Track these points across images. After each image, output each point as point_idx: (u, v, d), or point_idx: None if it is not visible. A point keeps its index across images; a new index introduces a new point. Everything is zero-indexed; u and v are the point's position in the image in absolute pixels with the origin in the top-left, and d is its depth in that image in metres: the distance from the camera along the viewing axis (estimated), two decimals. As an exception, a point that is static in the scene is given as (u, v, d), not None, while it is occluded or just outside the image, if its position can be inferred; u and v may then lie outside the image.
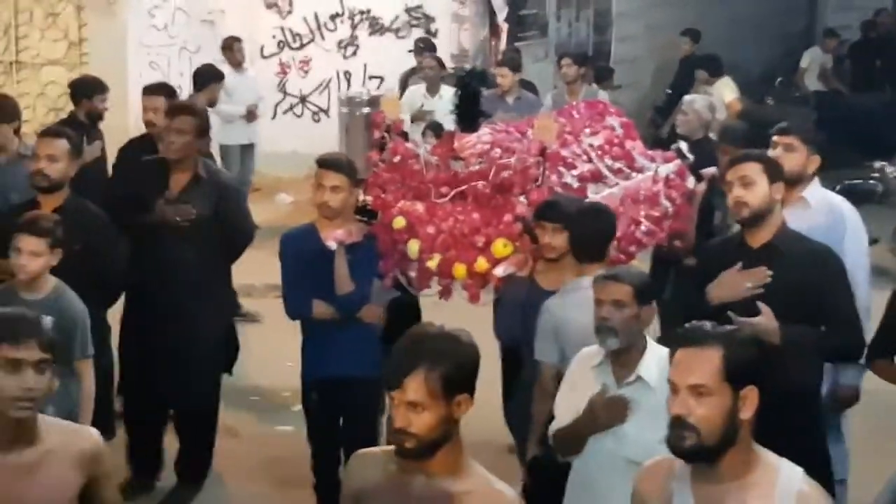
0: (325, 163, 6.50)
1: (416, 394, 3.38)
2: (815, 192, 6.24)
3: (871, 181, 13.43)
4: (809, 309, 5.30)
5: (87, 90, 9.64)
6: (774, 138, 6.58)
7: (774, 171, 5.48)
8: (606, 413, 4.67)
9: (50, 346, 3.82)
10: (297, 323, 6.64)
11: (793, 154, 6.24)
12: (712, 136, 9.44)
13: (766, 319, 5.11)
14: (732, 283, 5.33)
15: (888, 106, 17.23)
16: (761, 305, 5.15)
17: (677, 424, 3.28)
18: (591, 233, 5.85)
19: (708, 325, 3.44)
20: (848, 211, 6.32)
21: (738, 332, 3.47)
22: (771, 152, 6.51)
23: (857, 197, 9.84)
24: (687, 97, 9.95)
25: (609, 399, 4.67)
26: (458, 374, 3.43)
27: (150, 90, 8.38)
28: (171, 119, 7.10)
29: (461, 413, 3.47)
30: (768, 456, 3.45)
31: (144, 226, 6.94)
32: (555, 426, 4.94)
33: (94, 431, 4.13)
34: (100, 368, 6.27)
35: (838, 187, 10.72)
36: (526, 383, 5.96)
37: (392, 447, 3.53)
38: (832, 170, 12.93)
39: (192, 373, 7.03)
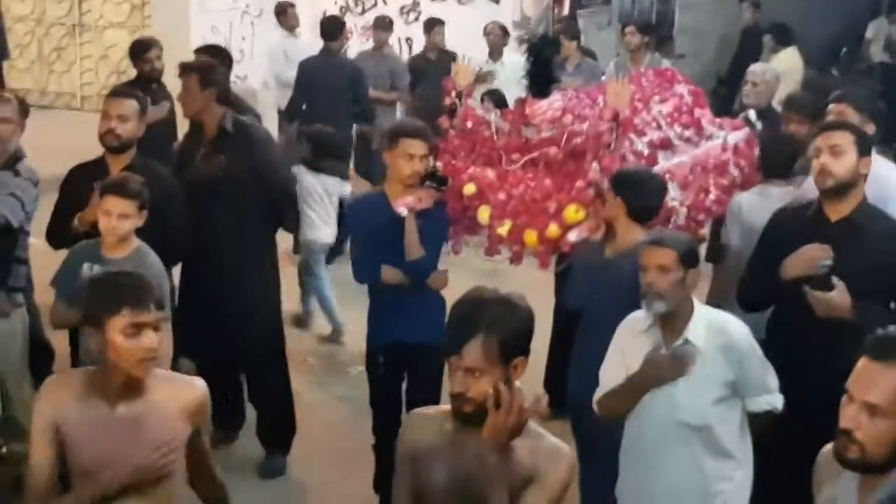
0: (416, 132, 6.44)
1: (475, 360, 3.46)
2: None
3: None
4: (887, 288, 5.26)
5: (140, 51, 9.74)
6: (829, 107, 6.58)
7: (864, 144, 5.38)
8: (669, 365, 4.68)
9: (161, 306, 4.02)
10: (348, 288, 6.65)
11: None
12: (776, 105, 9.43)
13: (839, 295, 5.06)
14: (805, 259, 5.25)
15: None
16: (835, 281, 5.09)
17: (843, 435, 3.11)
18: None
19: None
20: (894, 180, 6.19)
21: None
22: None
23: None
24: (754, 67, 9.84)
25: (674, 350, 4.69)
26: (514, 339, 3.51)
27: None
28: (183, 76, 7.18)
29: (518, 375, 3.55)
30: None
31: (189, 185, 6.91)
32: (601, 391, 4.97)
33: (201, 383, 4.28)
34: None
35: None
36: (585, 349, 5.93)
37: (447, 407, 3.62)
38: (894, 141, 12.95)
39: (251, 339, 7.11)
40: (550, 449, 3.63)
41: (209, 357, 7.02)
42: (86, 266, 5.81)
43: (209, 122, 7.10)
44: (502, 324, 3.48)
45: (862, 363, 3.13)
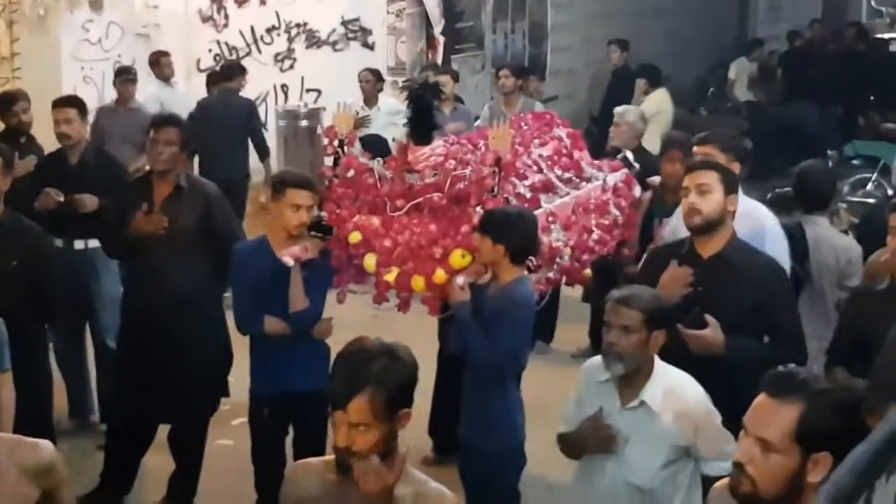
0: (301, 182, 6.42)
1: (361, 416, 3.42)
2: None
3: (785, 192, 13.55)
4: (757, 321, 5.31)
5: (7, 106, 9.49)
6: (694, 148, 6.70)
7: (731, 183, 5.47)
8: (594, 441, 4.65)
9: None
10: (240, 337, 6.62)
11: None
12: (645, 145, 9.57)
13: (711, 332, 5.11)
14: (671, 287, 5.31)
15: (818, 114, 17.41)
16: (708, 318, 5.15)
17: (736, 468, 3.13)
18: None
19: (799, 375, 3.19)
20: (767, 218, 6.32)
21: (829, 393, 3.13)
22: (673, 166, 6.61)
23: (787, 204, 9.90)
24: (619, 108, 9.95)
25: (598, 427, 4.65)
26: (400, 393, 3.48)
27: (61, 102, 8.36)
28: (156, 131, 7.03)
29: (402, 426, 3.53)
30: None
31: (128, 241, 6.90)
32: (562, 428, 4.92)
33: (45, 443, 4.04)
34: (34, 384, 6.23)
35: (769, 195, 10.80)
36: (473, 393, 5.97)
37: (330, 457, 3.58)
38: (762, 178, 13.18)
39: (190, 393, 6.96)
40: (435, 497, 3.59)
41: (139, 408, 6.96)
42: None
43: (169, 179, 7.02)
44: (388, 378, 3.44)
45: (759, 399, 3.12)
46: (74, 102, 8.31)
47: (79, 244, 8.04)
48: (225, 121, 12.22)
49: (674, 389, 4.64)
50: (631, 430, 4.60)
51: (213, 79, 13.24)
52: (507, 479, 5.71)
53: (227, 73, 13.01)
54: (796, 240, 6.72)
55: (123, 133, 11.66)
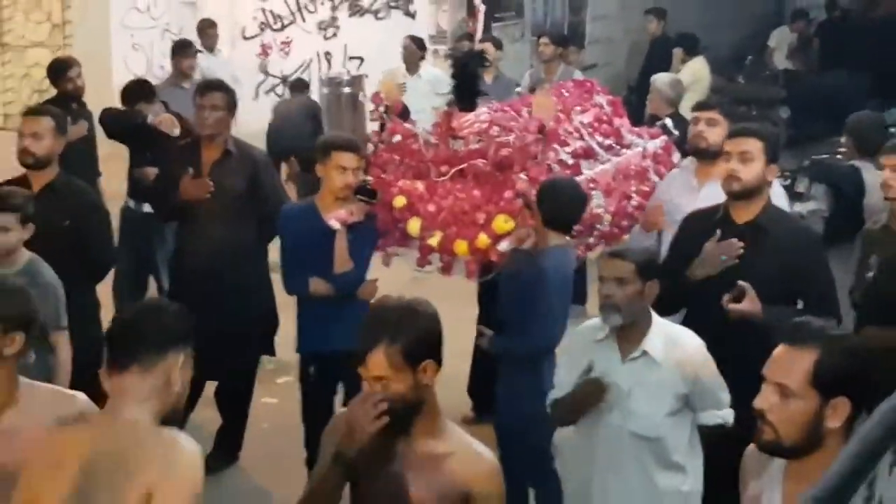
0: (347, 145, 6.43)
1: (380, 368, 3.46)
2: None
3: (839, 155, 13.45)
4: (792, 286, 5.28)
5: (59, 72, 9.59)
6: (695, 114, 6.70)
7: (773, 152, 5.42)
8: (593, 393, 4.65)
9: (28, 320, 3.94)
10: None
11: (715, 128, 6.31)
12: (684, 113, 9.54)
13: (750, 303, 5.06)
14: (712, 258, 5.27)
15: (853, 82, 17.26)
16: (745, 285, 5.07)
17: (758, 417, 3.13)
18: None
19: (815, 324, 3.22)
20: (777, 189, 6.24)
21: (843, 339, 3.19)
22: (693, 127, 6.58)
23: (811, 174, 9.88)
24: (654, 77, 9.94)
25: (586, 381, 4.66)
26: (418, 344, 3.49)
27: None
28: (202, 97, 7.07)
29: (428, 379, 3.52)
30: None
31: (178, 205, 6.97)
32: (553, 395, 4.93)
33: (81, 395, 4.05)
34: (88, 341, 6.24)
35: (806, 162, 10.74)
36: (510, 378, 5.99)
37: None
38: (800, 145, 13.13)
39: (236, 350, 7.01)
40: (474, 455, 3.63)
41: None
42: None
43: (217, 143, 7.07)
44: (402, 331, 3.47)
45: (778, 348, 3.15)
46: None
47: (146, 207, 8.12)
48: (299, 127, 12.22)
49: (674, 339, 4.66)
50: (634, 382, 4.61)
51: (296, 88, 13.37)
52: (539, 439, 5.75)
53: (297, 86, 13.15)
54: (852, 183, 6.74)
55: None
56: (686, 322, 5.18)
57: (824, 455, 3.01)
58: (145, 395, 3.62)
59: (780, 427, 3.08)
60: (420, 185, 6.62)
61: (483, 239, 6.26)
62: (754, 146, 5.33)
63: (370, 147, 7.01)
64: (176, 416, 3.87)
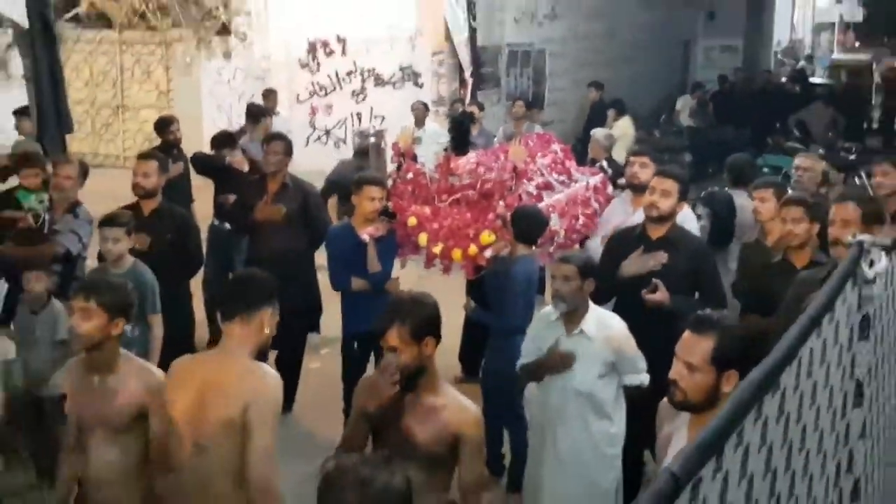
0: (374, 181, 6.53)
1: (393, 341, 3.51)
2: None
3: (711, 192, 13.48)
4: (691, 283, 5.27)
5: (164, 126, 9.58)
6: (632, 158, 6.61)
7: (685, 192, 5.44)
8: (558, 362, 4.65)
9: (120, 308, 3.89)
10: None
11: (646, 169, 6.19)
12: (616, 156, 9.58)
13: (661, 294, 5.07)
14: (640, 263, 5.25)
15: (737, 136, 17.37)
16: (657, 282, 5.09)
17: (672, 384, 3.13)
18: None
19: (713, 316, 3.23)
20: (688, 213, 6.19)
21: (732, 328, 3.19)
22: (629, 168, 6.52)
23: (716, 198, 9.82)
24: (594, 131, 10.01)
25: (560, 353, 4.66)
26: (422, 324, 3.54)
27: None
28: (268, 145, 7.14)
29: (429, 350, 3.58)
30: None
31: (251, 222, 6.99)
32: (522, 361, 4.91)
33: (159, 371, 4.06)
34: (181, 321, 6.33)
35: (703, 194, 10.72)
36: (492, 351, 5.96)
37: None
38: (699, 181, 13.14)
39: (290, 328, 6.89)
40: (462, 407, 3.64)
41: None
42: None
43: (278, 178, 7.08)
44: (410, 315, 3.52)
45: (685, 334, 3.14)
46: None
47: (227, 224, 8.12)
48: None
49: (604, 321, 4.67)
50: (576, 351, 4.63)
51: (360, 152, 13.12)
52: (513, 394, 5.76)
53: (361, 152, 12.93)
54: (726, 206, 6.75)
55: None
56: (615, 308, 5.19)
57: (719, 410, 3.05)
58: (244, 338, 3.79)
59: (688, 391, 3.09)
60: (427, 210, 6.60)
61: (473, 248, 6.25)
62: (672, 186, 5.33)
63: (390, 182, 7.02)
64: (264, 353, 4.07)
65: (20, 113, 9.60)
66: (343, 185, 11.76)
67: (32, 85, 8.36)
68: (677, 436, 3.24)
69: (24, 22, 8.07)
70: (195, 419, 3.68)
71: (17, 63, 15.09)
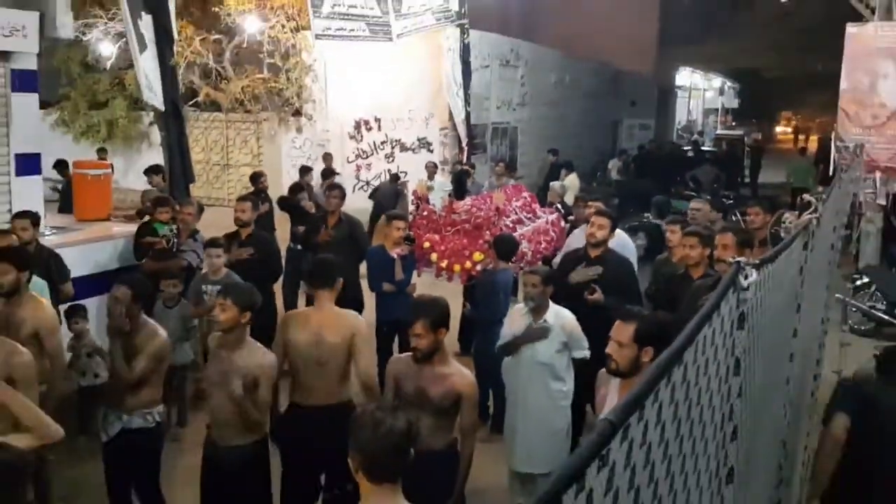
0: (400, 217, 6.49)
1: (419, 330, 3.48)
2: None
3: (644, 221, 13.50)
4: (618, 288, 5.19)
5: (256, 178, 9.60)
6: (590, 203, 6.71)
7: (614, 226, 5.42)
8: (536, 334, 4.56)
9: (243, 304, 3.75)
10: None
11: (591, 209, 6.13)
12: (567, 201, 9.58)
13: (598, 295, 5.06)
14: (583, 273, 5.24)
15: (652, 186, 17.38)
16: (596, 287, 5.09)
17: (608, 357, 3.09)
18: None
19: (635, 310, 3.22)
20: (625, 237, 6.22)
21: (648, 317, 3.15)
22: (585, 210, 6.53)
23: (636, 229, 9.87)
24: (552, 183, 10.06)
25: (539, 326, 4.60)
26: (438, 319, 3.52)
27: (284, 202, 7.90)
28: (329, 191, 7.12)
29: (442, 336, 3.56)
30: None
31: (317, 244, 6.84)
32: (500, 343, 4.77)
33: (271, 354, 3.84)
34: (267, 314, 6.06)
35: (627, 225, 10.71)
36: (481, 334, 5.88)
37: (410, 353, 3.61)
38: (626, 218, 13.14)
39: None
40: (465, 374, 3.61)
41: None
42: (203, 286, 5.76)
43: (335, 214, 6.99)
44: (431, 311, 3.49)
45: (616, 322, 3.10)
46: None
47: (299, 246, 8.05)
48: (388, 200, 11.94)
49: (559, 314, 4.57)
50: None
51: (393, 178, 13.20)
52: (496, 365, 5.71)
53: (394, 177, 13.06)
54: (655, 228, 6.75)
55: None
56: (566, 305, 5.19)
57: (640, 376, 3.03)
58: (330, 297, 4.09)
59: (619, 362, 3.06)
60: (437, 236, 6.65)
61: (468, 264, 6.31)
62: (605, 222, 5.33)
63: (411, 217, 7.04)
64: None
65: (150, 171, 9.50)
66: (383, 204, 11.72)
67: (166, 150, 8.38)
68: (611, 395, 3.22)
69: (162, 106, 8.10)
70: (317, 345, 3.95)
71: (155, 135, 15.26)
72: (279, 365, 3.85)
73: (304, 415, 3.94)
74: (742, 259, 1.87)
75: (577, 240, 6.69)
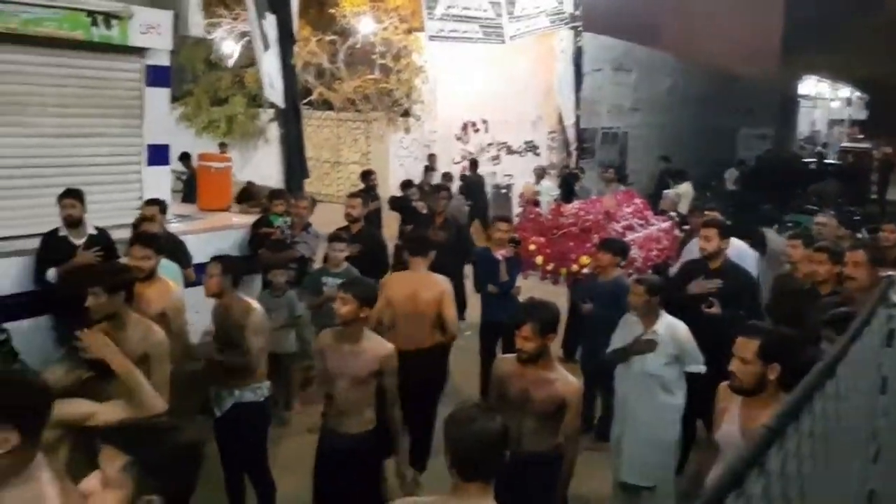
0: (505, 219, 6.46)
1: (527, 333, 3.43)
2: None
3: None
4: (737, 301, 5.00)
5: (366, 176, 9.78)
6: (706, 212, 6.56)
7: (726, 233, 5.20)
8: (644, 346, 4.44)
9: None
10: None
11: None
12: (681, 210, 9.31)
13: (715, 308, 4.90)
14: (701, 285, 5.06)
15: (768, 198, 16.66)
16: (714, 300, 4.92)
17: (731, 374, 3.00)
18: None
19: (760, 324, 3.12)
20: (743, 246, 6.00)
21: (772, 332, 3.03)
22: (696, 219, 6.31)
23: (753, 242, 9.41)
24: (665, 191, 9.78)
25: (645, 338, 4.49)
26: (546, 324, 3.46)
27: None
28: (436, 192, 7.20)
29: (550, 342, 3.49)
30: (783, 395, 2.95)
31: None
32: (611, 348, 4.67)
33: (389, 344, 3.92)
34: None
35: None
36: (590, 331, 5.71)
37: (516, 355, 3.56)
38: (741, 230, 12.59)
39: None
40: (570, 380, 3.54)
41: None
42: (323, 278, 5.80)
43: (442, 215, 7.14)
44: (541, 315, 3.44)
45: (739, 338, 3.00)
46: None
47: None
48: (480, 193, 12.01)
49: (671, 325, 4.42)
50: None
51: (472, 166, 13.35)
52: (606, 374, 5.52)
53: (475, 165, 13.11)
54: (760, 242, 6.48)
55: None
56: (681, 317, 5.02)
57: (766, 394, 2.94)
58: (424, 264, 4.96)
59: (743, 379, 2.97)
60: (542, 239, 6.58)
61: (574, 267, 6.21)
62: (712, 233, 5.14)
63: (516, 220, 7.00)
64: None
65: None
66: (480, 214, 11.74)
67: (284, 146, 8.67)
68: (731, 412, 3.11)
69: (282, 104, 8.39)
70: (413, 301, 4.83)
71: (270, 132, 15.86)
72: (379, 319, 4.61)
73: (404, 354, 4.33)
74: (893, 273, 1.74)
75: (692, 250, 6.48)
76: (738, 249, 5.74)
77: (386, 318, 4.80)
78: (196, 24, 7.04)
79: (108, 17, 6.15)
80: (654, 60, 18.92)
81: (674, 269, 6.29)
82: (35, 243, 5.49)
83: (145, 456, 1.71)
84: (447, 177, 11.44)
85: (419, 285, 4.88)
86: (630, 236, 6.72)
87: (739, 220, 14.29)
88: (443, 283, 4.92)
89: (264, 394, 4.17)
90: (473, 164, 13.37)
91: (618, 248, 5.69)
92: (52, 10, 5.79)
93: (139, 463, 1.70)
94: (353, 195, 6.94)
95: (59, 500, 2.02)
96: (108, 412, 2.81)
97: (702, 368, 4.41)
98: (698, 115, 21.67)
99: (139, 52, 6.56)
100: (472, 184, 12.15)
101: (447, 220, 7.15)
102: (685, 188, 12.94)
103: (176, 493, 1.73)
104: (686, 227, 7.71)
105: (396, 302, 4.83)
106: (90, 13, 6.04)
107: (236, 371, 4.10)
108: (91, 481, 1.72)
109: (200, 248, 6.19)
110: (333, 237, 5.83)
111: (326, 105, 15.84)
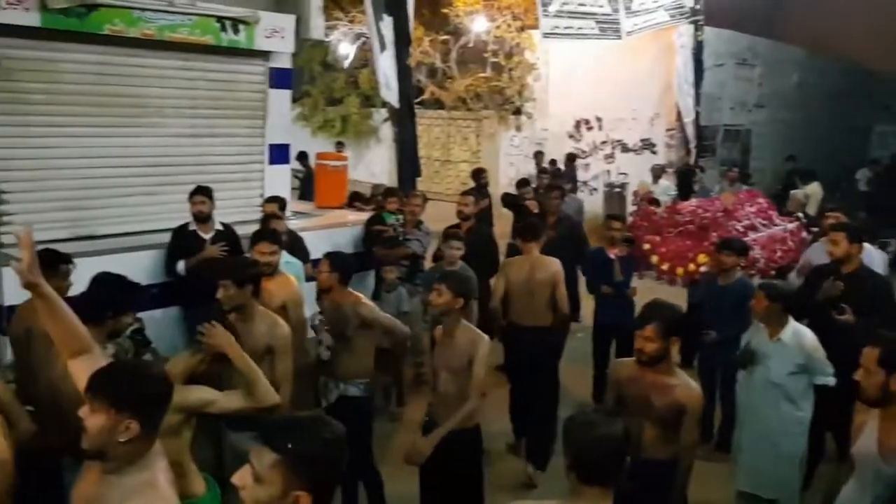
0: (617, 217, 6.35)
1: (649, 334, 3.35)
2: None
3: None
4: (870, 307, 4.69)
5: (478, 174, 9.80)
6: (828, 213, 6.24)
7: (854, 237, 4.89)
8: (745, 356, 4.31)
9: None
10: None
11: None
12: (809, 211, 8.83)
13: (847, 315, 4.64)
14: (828, 289, 4.80)
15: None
16: (846, 307, 4.67)
17: (858, 383, 2.87)
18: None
19: (887, 334, 2.94)
20: (871, 250, 5.67)
21: (894, 339, 2.89)
22: (826, 221, 5.94)
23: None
24: (792, 191, 9.30)
25: (745, 350, 4.32)
26: (670, 326, 3.35)
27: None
28: (548, 191, 7.27)
29: (673, 345, 3.40)
30: None
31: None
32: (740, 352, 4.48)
33: (486, 336, 3.87)
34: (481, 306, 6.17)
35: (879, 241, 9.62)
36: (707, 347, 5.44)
37: (634, 358, 3.48)
38: (875, 233, 11.76)
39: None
40: (690, 385, 3.44)
41: None
42: (436, 275, 5.71)
43: (555, 213, 7.12)
44: (665, 316, 3.35)
45: (867, 349, 2.87)
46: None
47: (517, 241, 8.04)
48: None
49: (798, 332, 4.20)
50: (773, 352, 4.19)
51: (569, 160, 13.10)
52: (727, 382, 5.25)
53: (571, 159, 12.87)
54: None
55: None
56: (809, 324, 4.75)
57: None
58: (536, 248, 5.37)
59: (867, 389, 2.86)
60: (657, 238, 6.43)
61: (692, 266, 6.03)
62: (840, 236, 4.87)
63: (630, 218, 6.85)
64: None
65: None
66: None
67: (398, 145, 8.84)
68: (868, 425, 2.96)
69: (397, 104, 8.56)
70: (528, 281, 5.29)
71: (383, 132, 16.23)
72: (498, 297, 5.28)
73: (522, 328, 5.36)
74: None
75: (815, 253, 6.13)
76: (868, 254, 5.42)
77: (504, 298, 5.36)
78: (317, 27, 7.29)
79: (236, 22, 6.46)
80: (780, 54, 18.00)
81: (793, 274, 5.99)
82: (166, 238, 5.76)
83: (298, 450, 1.70)
84: (553, 163, 11.32)
85: (534, 267, 5.32)
86: (752, 236, 6.44)
87: (870, 222, 13.52)
88: (555, 264, 5.34)
89: (370, 389, 4.23)
90: (570, 157, 13.19)
91: (738, 247, 5.46)
92: (186, 16, 6.13)
93: (292, 457, 1.69)
94: (465, 193, 7.00)
95: (170, 489, 2.07)
96: (227, 401, 2.97)
97: (830, 381, 4.18)
98: (829, 112, 20.41)
99: (264, 55, 6.85)
100: (558, 177, 11.88)
101: (560, 220, 7.08)
102: (814, 188, 12.25)
103: (323, 487, 1.73)
104: (814, 228, 7.30)
105: (513, 283, 5.31)
106: (219, 19, 6.35)
107: (350, 364, 4.19)
108: (242, 474, 1.73)
109: (317, 245, 6.38)
110: (450, 235, 5.81)
111: (437, 104, 16.05)
